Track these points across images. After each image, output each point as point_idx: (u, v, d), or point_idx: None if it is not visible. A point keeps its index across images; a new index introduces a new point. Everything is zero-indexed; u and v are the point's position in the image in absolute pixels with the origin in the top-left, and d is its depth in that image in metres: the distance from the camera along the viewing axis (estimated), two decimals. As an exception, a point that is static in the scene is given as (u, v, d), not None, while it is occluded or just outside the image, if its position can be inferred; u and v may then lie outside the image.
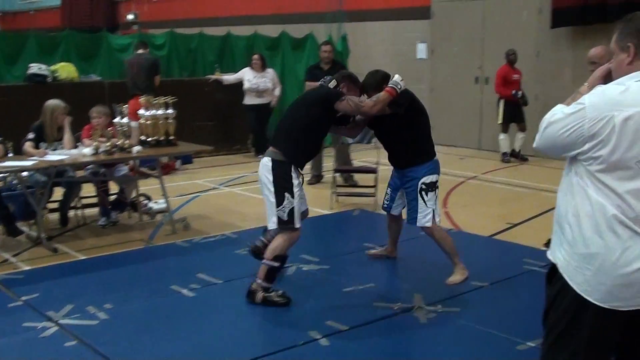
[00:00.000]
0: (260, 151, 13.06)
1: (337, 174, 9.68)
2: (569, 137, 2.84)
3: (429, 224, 6.04)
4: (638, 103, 2.76)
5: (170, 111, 7.98)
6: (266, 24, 16.36)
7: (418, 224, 6.09)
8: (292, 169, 5.55)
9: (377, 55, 15.72)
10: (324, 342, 4.86)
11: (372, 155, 10.04)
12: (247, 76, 12.67)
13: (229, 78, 13.06)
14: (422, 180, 6.01)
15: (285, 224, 5.48)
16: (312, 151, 5.95)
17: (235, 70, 13.36)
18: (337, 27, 15.74)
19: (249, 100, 12.70)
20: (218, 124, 13.18)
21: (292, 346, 4.79)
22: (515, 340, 4.87)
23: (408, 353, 4.94)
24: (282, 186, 5.49)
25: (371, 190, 9.11)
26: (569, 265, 2.93)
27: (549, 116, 2.93)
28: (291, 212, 5.46)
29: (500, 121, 12.54)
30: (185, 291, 5.83)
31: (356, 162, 10.78)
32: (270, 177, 5.53)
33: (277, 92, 12.93)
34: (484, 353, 4.83)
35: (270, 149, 5.66)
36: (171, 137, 8.01)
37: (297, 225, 5.51)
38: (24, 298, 5.70)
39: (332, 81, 5.91)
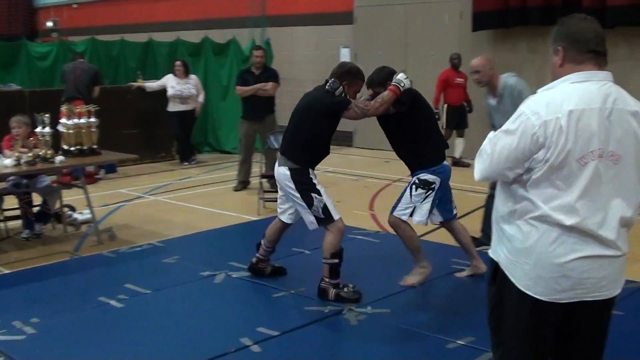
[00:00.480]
0: (184, 158, 13.00)
1: (264, 180, 9.65)
2: (522, 147, 2.86)
3: (403, 217, 5.88)
4: (577, 102, 2.83)
5: (93, 120, 7.85)
6: (188, 29, 16.26)
7: (392, 213, 5.97)
8: (310, 171, 5.82)
9: (301, 60, 15.79)
10: (256, 349, 4.85)
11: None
12: (171, 83, 12.56)
13: (152, 85, 12.93)
14: (419, 175, 5.91)
15: (324, 221, 5.76)
16: (323, 153, 6.02)
17: (158, 77, 13.23)
18: (260, 32, 15.74)
19: (172, 107, 12.58)
20: (142, 132, 13.02)
21: (223, 354, 4.76)
22: (445, 339, 4.94)
23: (340, 355, 4.97)
24: (306, 189, 5.74)
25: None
26: (509, 262, 3.00)
27: (490, 143, 2.98)
28: (325, 208, 5.72)
29: (444, 126, 12.33)
30: (113, 302, 5.74)
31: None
32: (292, 185, 5.76)
33: (201, 98, 12.87)
34: (415, 353, 4.89)
35: (282, 157, 5.87)
36: (95, 146, 7.89)
37: (336, 216, 5.74)
38: (-54, 315, 5.55)
39: (335, 82, 5.85)
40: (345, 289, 5.70)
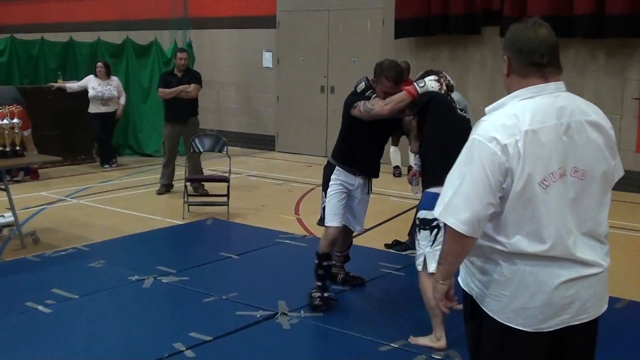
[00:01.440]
0: (105, 161, 12.83)
1: (188, 183, 9.61)
2: (491, 176, 2.66)
3: (418, 268, 4.97)
4: (530, 121, 2.67)
5: (16, 120, 7.70)
6: (109, 30, 16.03)
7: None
8: (336, 171, 5.74)
9: (224, 63, 15.76)
10: (189, 354, 4.86)
11: (224, 164, 10.09)
12: (92, 84, 12.38)
13: (72, 86, 12.71)
14: (418, 214, 5.04)
15: (321, 221, 5.83)
16: (353, 153, 5.79)
17: (79, 77, 13.02)
18: (182, 34, 15.65)
19: (93, 108, 12.39)
20: (62, 133, 12.76)
21: (157, 359, 4.75)
22: (378, 342, 5.03)
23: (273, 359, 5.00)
24: (324, 185, 5.82)
25: (223, 199, 9.11)
26: (483, 295, 2.82)
27: (453, 186, 2.73)
28: (324, 210, 5.72)
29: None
30: (41, 307, 5.66)
31: (208, 172, 10.75)
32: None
33: (122, 100, 12.72)
34: (348, 355, 4.96)
35: None
36: (17, 148, 7.74)
37: (329, 223, 5.68)
38: None
39: (363, 80, 5.66)
40: (316, 295, 5.68)
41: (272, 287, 6.26)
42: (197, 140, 9.62)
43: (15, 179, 11.11)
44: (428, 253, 4.83)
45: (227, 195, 9.07)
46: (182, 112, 10.20)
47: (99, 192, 10.69)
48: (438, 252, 4.47)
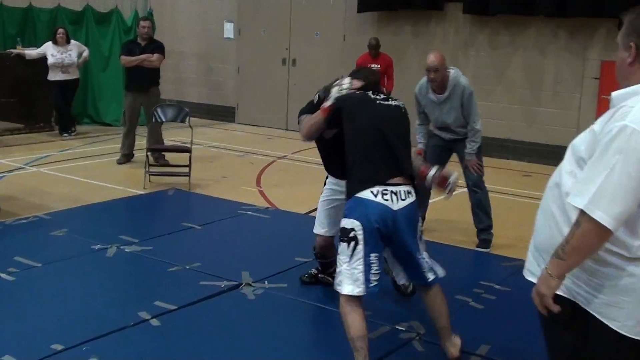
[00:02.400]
0: (64, 129, 12.71)
1: (149, 153, 9.56)
2: None
3: (338, 289, 4.10)
4: None
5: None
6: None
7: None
8: (328, 179, 5.27)
9: (185, 33, 15.64)
10: (155, 322, 4.86)
11: (185, 135, 10.05)
12: (51, 51, 12.23)
13: (31, 53, 12.53)
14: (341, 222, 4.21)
15: None
16: (331, 165, 5.14)
17: (39, 44, 12.84)
18: (144, 2, 15.45)
19: (53, 75, 12.26)
20: (20, 101, 12.58)
21: (122, 327, 4.76)
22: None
23: (237, 329, 5.01)
24: None
25: (185, 169, 9.09)
26: (597, 301, 2.59)
27: (598, 176, 2.46)
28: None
29: None
30: (4, 275, 5.61)
31: (168, 142, 10.70)
32: None
33: (85, 54, 12.69)
34: (312, 325, 5.02)
35: None
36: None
37: (315, 230, 5.40)
38: None
39: (316, 94, 4.91)
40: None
41: (235, 258, 6.29)
42: (159, 110, 9.58)
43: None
44: (345, 271, 4.01)
45: (189, 165, 9.05)
46: (144, 81, 10.13)
47: (58, 160, 10.60)
48: (357, 271, 3.99)
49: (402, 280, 4.53)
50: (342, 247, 4.04)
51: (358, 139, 4.23)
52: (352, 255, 4.00)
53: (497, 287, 5.77)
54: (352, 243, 3.99)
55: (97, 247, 6.37)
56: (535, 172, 10.81)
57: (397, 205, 4.07)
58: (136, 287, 5.63)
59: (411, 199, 4.17)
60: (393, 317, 5.07)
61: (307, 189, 9.15)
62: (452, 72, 6.66)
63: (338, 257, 4.10)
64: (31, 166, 10.14)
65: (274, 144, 12.47)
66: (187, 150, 9.26)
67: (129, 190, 8.83)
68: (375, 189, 4.04)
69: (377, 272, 4.07)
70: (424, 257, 4.32)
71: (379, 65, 11.53)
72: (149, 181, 9.11)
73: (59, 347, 4.41)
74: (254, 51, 14.85)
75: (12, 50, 12.71)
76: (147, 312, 4.98)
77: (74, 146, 11.84)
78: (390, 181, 4.10)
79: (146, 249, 6.40)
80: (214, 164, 10.65)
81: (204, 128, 13.74)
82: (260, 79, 14.73)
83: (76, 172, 9.74)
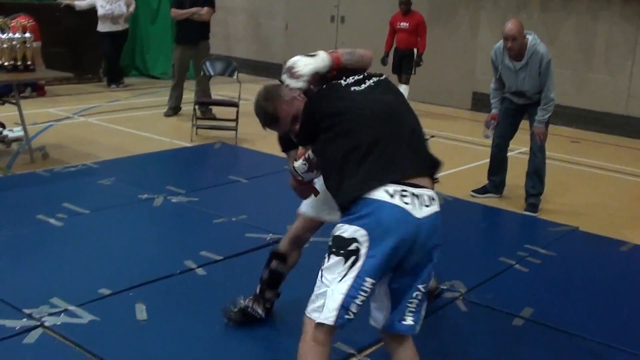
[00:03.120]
0: (113, 81, 12.78)
1: (197, 106, 9.59)
2: None
3: (310, 315, 2.98)
4: None
5: (28, 35, 7.64)
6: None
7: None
8: None
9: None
10: (200, 272, 4.91)
11: (233, 90, 10.06)
12: (100, 2, 12.23)
13: (81, 4, 12.54)
14: (333, 230, 3.04)
15: None
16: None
17: (88, -5, 12.89)
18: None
19: (103, 27, 12.29)
20: (69, 52, 12.62)
21: (168, 275, 4.81)
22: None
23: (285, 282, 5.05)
24: None
25: (232, 124, 9.10)
26: None
27: None
28: None
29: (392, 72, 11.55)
30: (52, 221, 5.70)
31: (215, 96, 10.70)
32: None
33: (132, 8, 12.67)
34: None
35: None
36: (28, 63, 7.70)
37: (300, 209, 4.45)
38: None
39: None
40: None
41: (281, 212, 6.25)
42: (208, 64, 9.59)
43: (22, 94, 11.06)
44: (333, 291, 2.90)
45: (236, 120, 9.06)
46: (194, 34, 10.12)
47: (106, 111, 10.68)
48: (342, 295, 2.88)
49: (376, 322, 3.20)
50: (335, 262, 2.92)
51: (343, 138, 3.06)
52: (346, 275, 2.89)
53: (542, 251, 5.72)
54: (352, 258, 2.88)
55: (144, 196, 6.43)
56: (584, 138, 10.67)
57: (421, 212, 2.94)
58: (182, 237, 5.68)
59: (435, 206, 3.03)
60: (435, 276, 5.05)
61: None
62: (530, 38, 6.52)
63: (323, 273, 2.98)
64: (79, 116, 10.23)
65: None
66: (235, 104, 9.26)
67: (175, 143, 8.88)
68: (391, 188, 2.91)
69: (361, 303, 2.94)
70: (423, 291, 3.12)
71: (408, 24, 11.29)
72: (196, 134, 9.14)
73: (105, 291, 4.48)
74: (302, 8, 14.75)
75: (61, 1, 12.72)
76: (192, 261, 5.03)
77: (121, 98, 11.91)
78: (410, 180, 2.98)
79: (193, 200, 6.45)
80: (260, 120, 10.62)
81: (251, 84, 13.68)
82: (308, 36, 14.63)
83: (124, 123, 9.81)
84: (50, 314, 4.14)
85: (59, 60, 11.78)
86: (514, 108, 6.91)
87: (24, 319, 4.07)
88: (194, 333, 4.10)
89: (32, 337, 3.90)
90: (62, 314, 4.16)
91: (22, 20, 8.16)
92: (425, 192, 2.99)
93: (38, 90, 11.49)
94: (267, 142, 9.03)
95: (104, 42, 12.38)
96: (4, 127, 8.18)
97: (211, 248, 5.28)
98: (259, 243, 5.48)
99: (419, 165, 3.08)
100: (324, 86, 3.34)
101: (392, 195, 2.90)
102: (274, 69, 15.10)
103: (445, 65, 12.55)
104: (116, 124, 9.76)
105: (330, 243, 2.98)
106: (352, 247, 2.88)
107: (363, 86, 3.27)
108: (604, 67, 11.21)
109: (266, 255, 4.89)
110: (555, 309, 4.71)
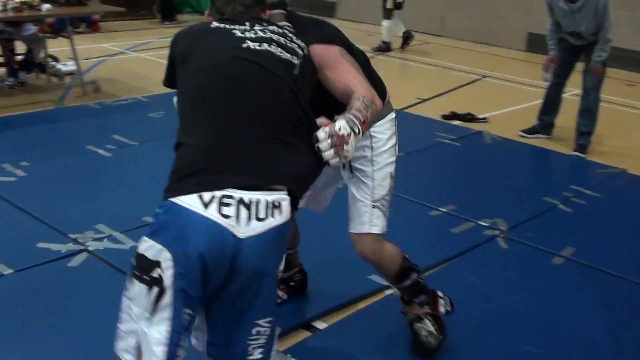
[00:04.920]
0: (167, 17, 12.84)
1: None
2: None
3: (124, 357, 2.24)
4: None
5: (81, -30, 7.73)
6: None
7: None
8: None
9: None
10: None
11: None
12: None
13: (136, -61, 12.62)
14: (139, 241, 2.36)
15: None
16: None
17: None
18: None
19: (157, -37, 12.36)
20: (124, -13, 12.74)
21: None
22: (428, 206, 5.12)
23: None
24: None
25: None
26: None
27: None
28: None
29: (389, 6, 11.55)
30: (101, 151, 5.82)
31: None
32: None
33: None
34: (399, 219, 5.03)
35: None
36: (81, -4, 7.80)
37: None
38: None
39: None
40: None
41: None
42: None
43: (76, 30, 11.19)
44: (147, 335, 2.15)
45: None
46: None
47: (159, 47, 10.72)
48: (160, 337, 2.13)
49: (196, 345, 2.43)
50: (138, 291, 2.16)
51: (185, 101, 2.44)
52: (154, 310, 2.14)
53: (587, 192, 5.67)
54: (155, 290, 2.13)
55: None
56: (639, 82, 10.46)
57: (247, 228, 2.16)
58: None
59: (276, 219, 2.22)
60: (476, 212, 5.05)
61: (404, 86, 9.08)
62: None
63: (129, 305, 2.20)
64: (132, 51, 10.32)
65: (373, 40, 12.32)
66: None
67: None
68: (207, 195, 2.15)
69: (185, 342, 2.24)
70: (266, 326, 2.34)
71: None
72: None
73: (149, 219, 4.53)
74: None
75: None
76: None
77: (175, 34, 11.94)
78: (241, 182, 2.19)
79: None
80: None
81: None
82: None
83: (176, 60, 9.84)
84: (95, 239, 4.26)
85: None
86: (569, 48, 6.79)
87: (70, 244, 4.21)
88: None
89: (77, 261, 4.04)
90: (106, 240, 4.28)
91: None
92: (263, 197, 2.18)
93: (92, 26, 11.60)
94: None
95: (158, -22, 12.42)
96: (57, 60, 8.30)
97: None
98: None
99: (262, 162, 2.25)
100: None
101: (207, 204, 2.13)
102: (327, 7, 15.00)
103: (501, 6, 12.34)
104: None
105: (133, 260, 2.21)
106: (155, 273, 2.13)
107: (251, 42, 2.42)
108: (664, 9, 10.92)
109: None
110: (596, 249, 4.68)
